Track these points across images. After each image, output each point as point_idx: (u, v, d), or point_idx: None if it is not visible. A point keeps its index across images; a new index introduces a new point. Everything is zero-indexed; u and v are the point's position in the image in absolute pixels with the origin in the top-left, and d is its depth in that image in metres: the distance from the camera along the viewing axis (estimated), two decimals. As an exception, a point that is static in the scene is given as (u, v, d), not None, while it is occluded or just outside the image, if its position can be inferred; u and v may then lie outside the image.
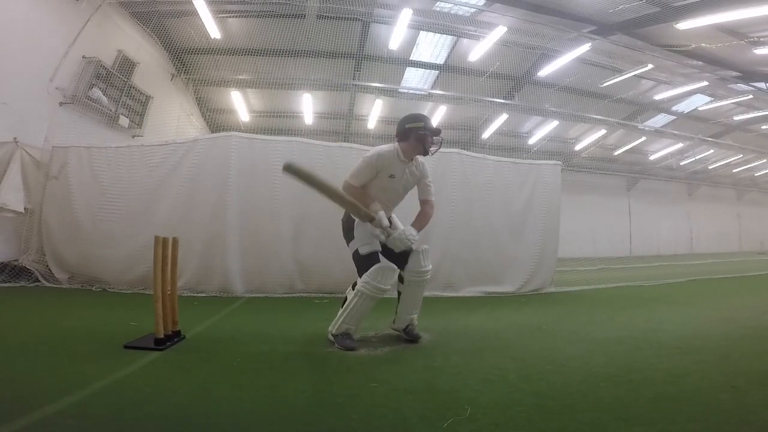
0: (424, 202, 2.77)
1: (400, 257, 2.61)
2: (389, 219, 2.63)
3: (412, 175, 2.69)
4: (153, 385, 1.78)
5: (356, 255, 2.54)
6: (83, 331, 2.73)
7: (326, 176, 2.43)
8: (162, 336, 2.32)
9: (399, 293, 2.71)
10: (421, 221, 2.70)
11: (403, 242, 2.49)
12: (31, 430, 1.35)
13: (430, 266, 2.71)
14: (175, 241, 2.52)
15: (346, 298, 2.59)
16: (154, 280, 2.35)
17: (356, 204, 2.44)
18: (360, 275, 2.50)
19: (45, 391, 1.66)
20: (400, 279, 2.66)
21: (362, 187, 2.56)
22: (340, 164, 4.76)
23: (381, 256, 2.52)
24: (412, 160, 2.66)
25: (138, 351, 2.24)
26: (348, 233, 2.61)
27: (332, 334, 2.52)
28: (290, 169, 2.27)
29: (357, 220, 2.57)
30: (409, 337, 2.66)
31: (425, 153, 2.65)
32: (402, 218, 2.77)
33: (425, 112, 10.83)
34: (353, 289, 2.53)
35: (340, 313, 2.52)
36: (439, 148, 2.71)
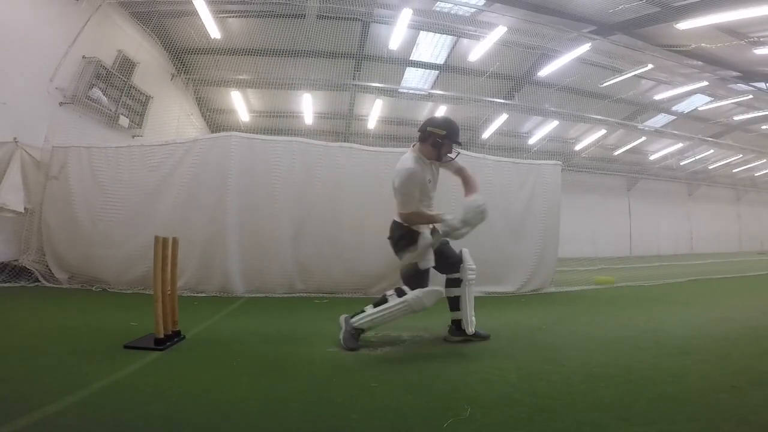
0: (459, 170, 2.72)
1: (448, 262, 2.69)
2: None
3: (435, 173, 2.72)
4: (153, 385, 1.78)
5: (412, 268, 2.53)
6: (83, 331, 2.73)
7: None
8: (162, 336, 2.32)
9: (453, 298, 2.71)
10: (471, 184, 2.65)
11: (479, 213, 2.45)
12: (31, 430, 1.36)
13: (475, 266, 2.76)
14: (175, 241, 2.52)
15: (384, 299, 2.55)
16: (154, 280, 2.35)
17: (427, 219, 2.55)
18: (409, 286, 2.51)
19: (45, 391, 1.66)
20: (457, 283, 2.68)
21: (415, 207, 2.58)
22: (340, 164, 4.78)
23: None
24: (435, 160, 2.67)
25: (138, 351, 2.24)
26: (407, 244, 2.57)
27: (354, 327, 2.49)
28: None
29: (421, 233, 2.58)
30: (481, 337, 2.70)
31: (438, 159, 2.65)
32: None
33: (425, 112, 10.94)
34: (398, 296, 2.50)
35: (373, 311, 2.50)
36: (455, 158, 2.69)
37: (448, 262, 2.70)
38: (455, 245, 2.78)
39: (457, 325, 2.70)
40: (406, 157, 2.60)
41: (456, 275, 2.69)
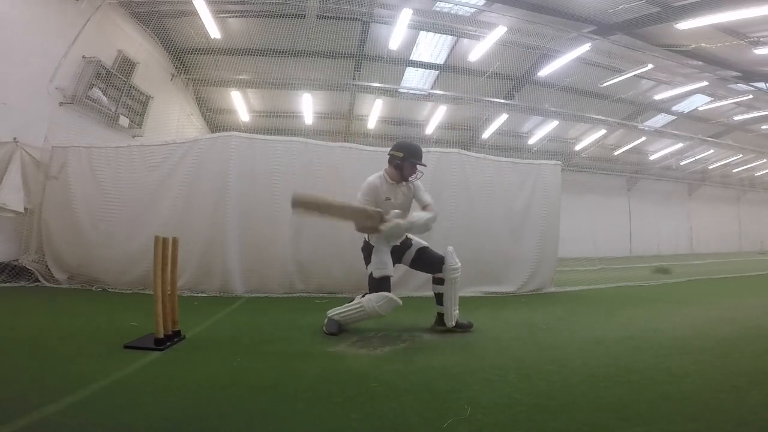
0: (426, 207, 2.95)
1: (429, 263, 2.88)
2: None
3: (405, 194, 2.92)
4: (153, 385, 1.78)
5: (370, 277, 2.78)
6: (83, 331, 2.74)
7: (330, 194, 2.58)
8: (162, 336, 2.32)
9: (438, 294, 2.91)
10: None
11: (425, 225, 2.76)
12: (31, 430, 1.35)
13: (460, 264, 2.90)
14: (175, 241, 2.52)
15: (352, 299, 2.85)
16: (154, 280, 2.35)
17: (365, 209, 2.65)
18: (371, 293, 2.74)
19: (45, 391, 1.66)
20: (441, 281, 2.86)
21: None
22: (340, 164, 4.78)
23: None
24: (401, 182, 2.88)
25: (138, 351, 2.24)
26: (367, 257, 2.88)
27: (328, 317, 2.77)
28: (295, 203, 2.56)
29: (375, 246, 2.80)
30: (464, 329, 2.89)
31: (403, 180, 2.87)
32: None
33: (425, 112, 10.96)
34: (362, 298, 2.76)
35: (344, 307, 2.75)
36: (418, 177, 2.88)
37: (430, 263, 2.90)
38: (440, 243, 3.01)
39: (440, 318, 2.92)
40: (373, 175, 2.88)
41: (439, 275, 2.87)
